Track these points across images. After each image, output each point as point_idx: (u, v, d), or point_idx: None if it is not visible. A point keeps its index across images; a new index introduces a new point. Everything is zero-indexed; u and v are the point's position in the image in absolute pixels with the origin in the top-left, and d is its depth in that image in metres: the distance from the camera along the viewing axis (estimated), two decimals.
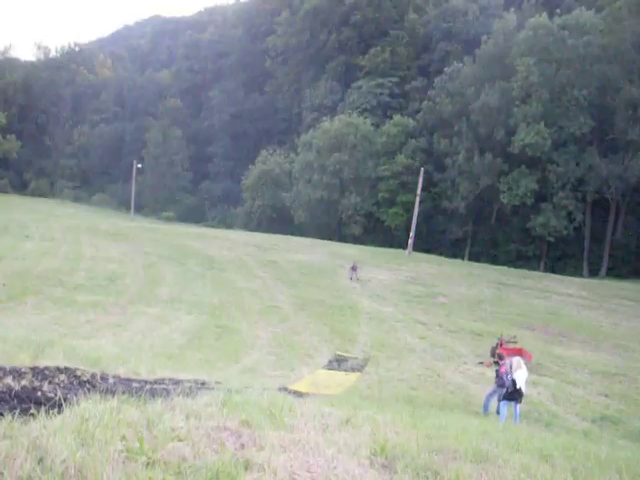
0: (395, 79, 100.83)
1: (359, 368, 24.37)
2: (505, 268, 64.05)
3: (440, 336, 33.20)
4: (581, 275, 69.65)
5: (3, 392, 5.44)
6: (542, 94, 72.66)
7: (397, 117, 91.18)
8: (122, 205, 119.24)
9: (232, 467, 4.19)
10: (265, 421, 6.01)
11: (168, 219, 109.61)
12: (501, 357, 19.06)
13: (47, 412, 4.60)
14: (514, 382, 17.46)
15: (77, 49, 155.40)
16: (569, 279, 59.85)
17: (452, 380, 23.60)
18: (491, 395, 18.78)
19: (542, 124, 70.96)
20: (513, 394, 17.51)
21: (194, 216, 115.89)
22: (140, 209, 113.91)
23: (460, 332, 34.43)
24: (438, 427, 8.44)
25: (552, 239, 73.45)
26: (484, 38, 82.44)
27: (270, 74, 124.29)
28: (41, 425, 4.26)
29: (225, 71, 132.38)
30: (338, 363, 25.06)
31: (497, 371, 18.45)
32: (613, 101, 71.74)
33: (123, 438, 4.39)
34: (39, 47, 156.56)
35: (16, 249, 46.14)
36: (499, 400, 18.29)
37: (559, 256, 78.36)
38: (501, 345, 27.98)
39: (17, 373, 6.46)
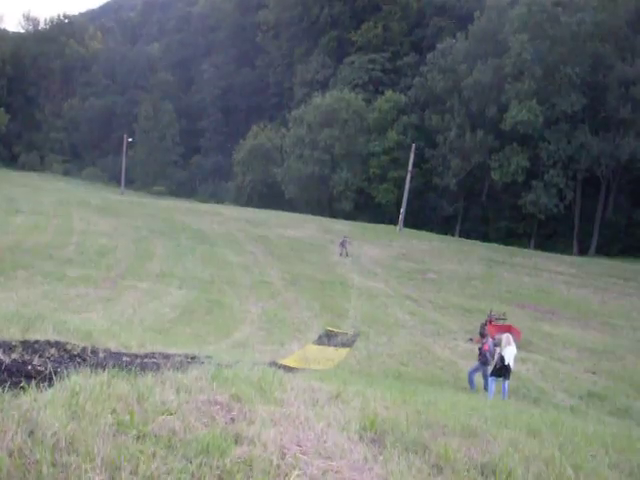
0: (387, 54, 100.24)
1: (349, 343, 24.46)
2: (495, 245, 64.16)
3: (430, 312, 33.37)
4: (571, 253, 69.86)
5: None
6: (535, 71, 72.37)
7: (389, 93, 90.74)
8: (113, 179, 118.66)
9: (222, 441, 4.21)
10: (255, 395, 6.04)
11: (159, 193, 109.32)
12: (483, 335, 19.24)
13: (37, 385, 4.60)
14: (502, 358, 17.55)
15: (66, 21, 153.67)
16: (559, 257, 60.05)
17: (441, 356, 23.74)
18: (474, 371, 18.99)
19: (534, 101, 70.72)
20: (501, 370, 17.60)
21: (185, 191, 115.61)
22: (131, 183, 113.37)
23: (450, 308, 34.61)
24: (427, 403, 8.50)
25: (542, 217, 73.52)
26: (477, 14, 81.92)
27: (261, 49, 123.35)
28: (32, 398, 4.27)
29: (216, 45, 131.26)
30: (328, 338, 25.15)
31: (480, 349, 18.69)
32: (605, 79, 71.61)
33: (113, 411, 4.40)
34: (27, 18, 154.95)
35: (6, 223, 45.96)
36: (485, 377, 18.45)
37: (549, 234, 78.50)
38: (490, 322, 28.07)
39: (7, 346, 6.46)
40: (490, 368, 18.26)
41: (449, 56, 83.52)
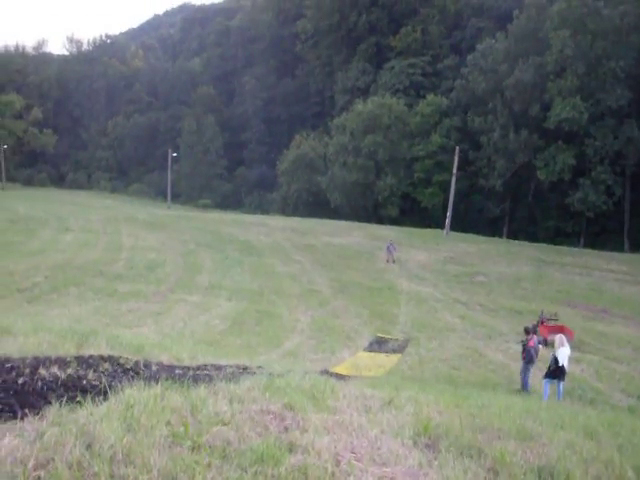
0: (427, 58, 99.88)
1: (400, 349, 24.41)
2: (544, 245, 63.42)
3: (480, 315, 33.10)
4: (622, 250, 68.62)
5: (50, 381, 5.54)
6: (577, 67, 71.32)
7: (430, 96, 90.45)
8: (159, 194, 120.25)
9: (276, 449, 4.23)
10: (308, 404, 6.05)
11: (205, 206, 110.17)
12: (528, 332, 19.03)
13: (93, 399, 4.68)
14: (556, 360, 17.34)
15: (108, 41, 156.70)
16: (610, 254, 59.12)
17: (493, 359, 23.53)
18: (524, 372, 18.69)
19: (578, 98, 69.73)
20: (556, 372, 17.39)
21: (230, 203, 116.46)
22: (177, 197, 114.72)
23: (500, 311, 34.29)
24: (481, 406, 8.44)
25: (591, 214, 72.32)
26: (516, 13, 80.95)
27: (301, 58, 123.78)
28: (88, 412, 4.34)
29: (256, 57, 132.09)
30: (379, 345, 25.12)
31: (524, 346, 18.58)
32: None
33: (168, 423, 4.45)
34: (71, 41, 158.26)
35: (57, 241, 46.85)
36: (524, 374, 18.36)
37: (599, 231, 77.20)
38: (542, 323, 27.83)
39: (62, 362, 6.57)
40: (532, 366, 18.17)
41: (489, 56, 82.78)
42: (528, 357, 18.21)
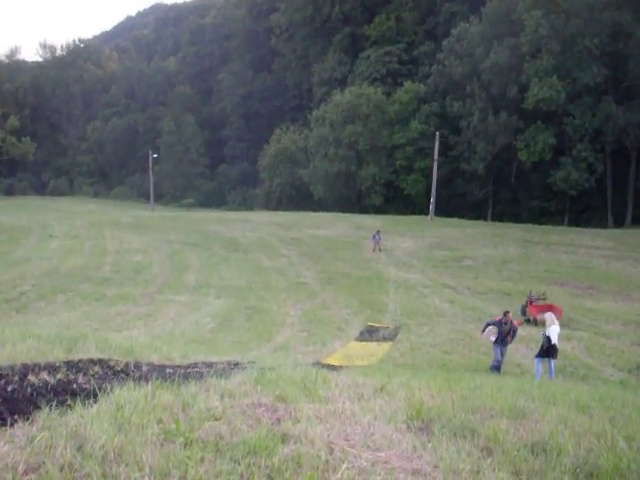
0: (402, 45, 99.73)
1: (391, 337, 24.46)
2: (529, 225, 63.64)
3: (469, 299, 33.23)
4: (606, 226, 69.01)
5: (39, 386, 5.52)
6: (552, 47, 71.45)
7: (408, 84, 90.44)
8: (142, 196, 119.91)
9: (269, 441, 4.23)
10: (300, 395, 6.06)
11: (188, 206, 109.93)
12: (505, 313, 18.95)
13: (83, 402, 4.67)
14: (549, 338, 17.38)
15: (82, 45, 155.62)
16: (595, 231, 59.41)
17: (484, 342, 23.56)
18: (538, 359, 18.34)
19: (555, 77, 69.90)
20: (548, 350, 17.43)
21: (214, 201, 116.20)
22: (160, 198, 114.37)
23: (489, 293, 34.44)
24: (473, 388, 8.48)
25: (574, 193, 72.55)
26: None
27: (277, 52, 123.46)
28: (78, 415, 4.33)
29: (232, 53, 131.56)
30: (370, 334, 25.17)
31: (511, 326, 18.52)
32: (626, 47, 70.46)
33: (159, 421, 4.45)
34: (44, 47, 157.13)
35: (41, 249, 46.62)
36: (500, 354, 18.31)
37: (582, 209, 77.57)
38: (531, 303, 27.98)
39: (52, 368, 6.54)
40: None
41: (464, 41, 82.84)
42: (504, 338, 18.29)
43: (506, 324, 18.19)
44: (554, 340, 17.41)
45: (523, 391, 8.60)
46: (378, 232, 48.52)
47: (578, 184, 71.20)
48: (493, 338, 17.85)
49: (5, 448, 3.56)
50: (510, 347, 20.93)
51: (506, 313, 18.69)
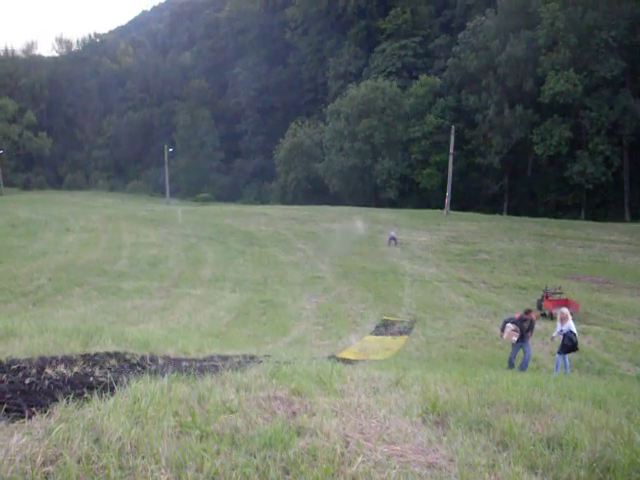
0: (418, 39, 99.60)
1: (406, 331, 24.42)
2: (545, 220, 63.39)
3: (485, 293, 33.11)
4: (623, 220, 68.58)
5: (57, 379, 5.55)
6: (569, 39, 71.03)
7: (423, 77, 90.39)
8: (157, 190, 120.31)
9: (284, 434, 4.24)
10: (315, 388, 6.07)
11: (204, 200, 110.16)
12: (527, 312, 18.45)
13: (100, 395, 4.69)
14: (574, 334, 17.12)
15: (98, 40, 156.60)
16: (611, 225, 59.11)
17: (500, 336, 23.51)
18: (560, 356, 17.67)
19: (571, 70, 69.58)
20: (574, 347, 17.20)
21: (229, 195, 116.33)
22: (176, 192, 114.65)
23: (504, 287, 34.31)
24: (489, 382, 8.45)
25: (591, 186, 72.22)
26: None
27: (292, 46, 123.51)
28: (95, 407, 4.36)
29: (247, 47, 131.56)
30: (385, 328, 25.14)
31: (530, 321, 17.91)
32: None
33: (175, 414, 4.47)
34: (61, 42, 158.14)
35: (58, 243, 46.84)
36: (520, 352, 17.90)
37: (599, 203, 77.06)
38: (547, 297, 27.84)
39: (69, 361, 6.58)
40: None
41: (480, 34, 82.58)
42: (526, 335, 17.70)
43: (525, 321, 17.67)
44: (577, 335, 17.29)
45: (539, 385, 8.56)
46: (394, 238, 48.21)
47: (595, 178, 70.84)
48: (515, 339, 17.47)
49: (23, 440, 3.59)
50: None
51: (528, 311, 18.07)
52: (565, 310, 17.86)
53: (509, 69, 76.42)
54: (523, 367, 17.29)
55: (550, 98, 70.98)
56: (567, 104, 71.00)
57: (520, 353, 17.80)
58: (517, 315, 17.96)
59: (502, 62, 76.59)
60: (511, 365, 17.52)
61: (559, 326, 17.62)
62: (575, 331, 17.18)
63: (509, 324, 17.43)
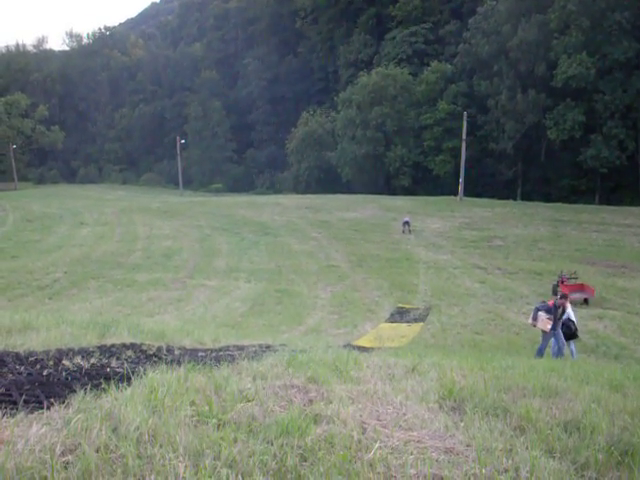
0: (428, 25, 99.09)
1: (422, 318, 24.45)
2: (559, 204, 63.13)
3: (500, 279, 33.05)
4: (638, 204, 68.10)
5: (74, 371, 5.61)
6: (582, 22, 70.46)
7: (434, 63, 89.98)
8: (170, 182, 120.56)
9: (301, 421, 4.25)
10: (331, 376, 6.07)
11: (217, 191, 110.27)
12: (560, 295, 18.09)
13: (117, 385, 4.72)
14: (572, 322, 16.94)
15: (108, 33, 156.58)
16: (626, 209, 58.80)
17: (516, 322, 23.49)
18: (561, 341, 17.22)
19: (584, 54, 69.07)
20: (573, 335, 16.98)
21: (242, 185, 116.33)
22: (189, 184, 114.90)
23: (519, 273, 34.23)
24: (505, 368, 8.44)
25: (605, 170, 71.76)
26: None
27: (302, 35, 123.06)
28: (112, 397, 4.39)
29: (257, 37, 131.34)
30: (400, 315, 25.18)
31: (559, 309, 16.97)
32: None
33: (192, 403, 4.49)
34: (71, 36, 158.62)
35: (73, 237, 47.10)
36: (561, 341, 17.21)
37: (614, 187, 76.49)
38: (562, 282, 27.75)
39: (85, 352, 6.64)
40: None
41: (491, 18, 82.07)
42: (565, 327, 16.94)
43: (559, 308, 16.85)
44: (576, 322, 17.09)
45: (556, 371, 8.56)
46: (407, 222, 48.19)
47: (609, 162, 70.38)
48: (549, 327, 16.85)
49: (43, 430, 3.63)
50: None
51: (564, 296, 17.44)
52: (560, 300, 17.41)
53: (521, 53, 75.91)
54: (557, 354, 16.70)
55: (563, 82, 70.52)
56: (580, 88, 70.49)
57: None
58: (551, 302, 17.05)
59: (514, 47, 76.04)
60: (540, 356, 16.66)
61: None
62: (574, 319, 16.99)
63: (541, 312, 16.61)
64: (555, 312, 16.71)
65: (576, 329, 17.05)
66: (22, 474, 3.06)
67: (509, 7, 79.64)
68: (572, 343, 17.26)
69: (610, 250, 40.83)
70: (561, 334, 16.96)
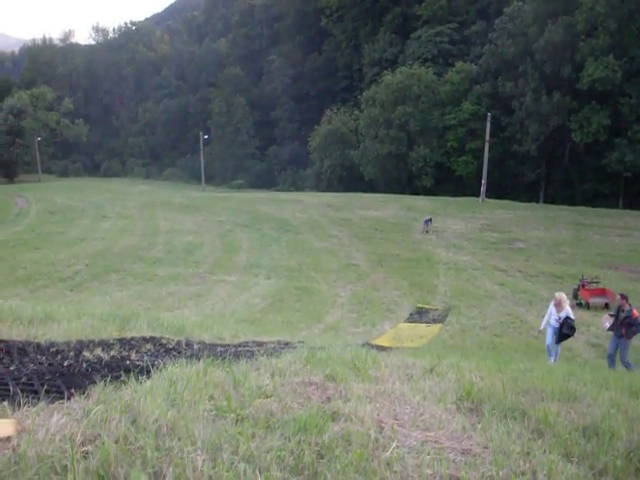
0: (454, 25, 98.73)
1: (441, 319, 24.41)
2: (582, 208, 62.69)
3: (520, 281, 32.92)
4: None
5: (94, 362, 5.65)
6: (609, 24, 69.92)
7: (459, 64, 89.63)
8: (193, 177, 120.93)
9: (319, 418, 4.26)
10: (350, 374, 6.08)
11: (239, 187, 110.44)
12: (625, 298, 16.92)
13: (136, 378, 4.75)
14: (573, 321, 16.35)
15: (134, 28, 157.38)
16: None
17: (535, 325, 23.28)
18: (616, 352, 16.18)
19: (611, 56, 68.52)
20: (571, 332, 16.38)
21: (264, 182, 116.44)
22: (211, 179, 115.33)
23: (540, 276, 34.08)
24: (523, 370, 8.41)
25: (629, 174, 71.16)
26: None
27: (327, 33, 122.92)
28: (132, 390, 4.42)
29: (282, 34, 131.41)
30: (419, 315, 25.15)
31: (628, 316, 15.69)
32: None
33: (211, 398, 4.51)
34: (97, 30, 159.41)
35: (95, 230, 47.43)
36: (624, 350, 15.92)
37: (638, 192, 75.85)
38: (583, 286, 27.63)
39: (105, 344, 6.68)
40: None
41: (517, 20, 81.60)
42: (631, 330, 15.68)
43: (623, 311, 15.63)
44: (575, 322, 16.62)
45: (574, 375, 8.51)
46: (430, 220, 48.14)
47: (634, 166, 69.77)
48: (608, 324, 16.24)
49: (63, 420, 3.66)
50: None
51: (623, 297, 15.98)
52: (559, 295, 16.72)
53: (547, 55, 75.42)
54: (623, 363, 15.65)
55: (589, 84, 70.03)
56: (606, 90, 69.98)
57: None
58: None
59: (539, 48, 75.57)
60: (612, 362, 15.82)
61: (553, 313, 16.44)
62: (573, 317, 16.47)
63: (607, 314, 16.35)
64: (617, 313, 15.92)
65: (574, 327, 16.63)
66: (43, 462, 3.09)
67: (535, 8, 79.17)
68: (561, 346, 16.77)
69: (633, 255, 40.51)
70: (627, 343, 15.96)
